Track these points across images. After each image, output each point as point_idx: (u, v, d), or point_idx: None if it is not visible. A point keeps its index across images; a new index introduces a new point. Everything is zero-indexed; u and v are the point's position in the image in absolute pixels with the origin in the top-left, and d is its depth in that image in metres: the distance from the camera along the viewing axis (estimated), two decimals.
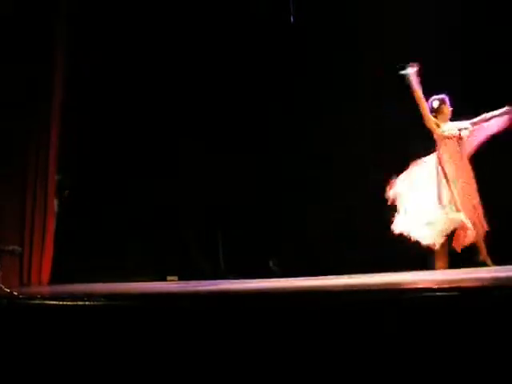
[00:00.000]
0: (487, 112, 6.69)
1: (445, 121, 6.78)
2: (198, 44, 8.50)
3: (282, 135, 8.40)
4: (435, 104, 6.76)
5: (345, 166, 8.07)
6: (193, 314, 3.74)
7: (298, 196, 8.28)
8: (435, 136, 6.78)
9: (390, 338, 3.25)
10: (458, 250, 6.59)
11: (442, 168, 6.68)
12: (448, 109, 6.77)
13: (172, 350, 3.64)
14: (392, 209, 6.87)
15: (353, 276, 5.95)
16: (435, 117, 6.76)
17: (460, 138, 6.68)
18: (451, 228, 6.53)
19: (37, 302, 4.34)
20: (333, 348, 3.35)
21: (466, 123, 6.74)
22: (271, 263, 8.15)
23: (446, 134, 6.72)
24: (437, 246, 6.48)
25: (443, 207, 6.55)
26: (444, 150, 6.74)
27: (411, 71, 6.64)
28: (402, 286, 4.21)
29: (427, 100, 6.79)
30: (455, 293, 3.33)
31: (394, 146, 7.69)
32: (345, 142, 8.11)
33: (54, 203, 7.76)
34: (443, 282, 4.54)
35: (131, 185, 8.46)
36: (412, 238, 6.59)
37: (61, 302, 4.07)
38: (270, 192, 8.38)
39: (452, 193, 6.57)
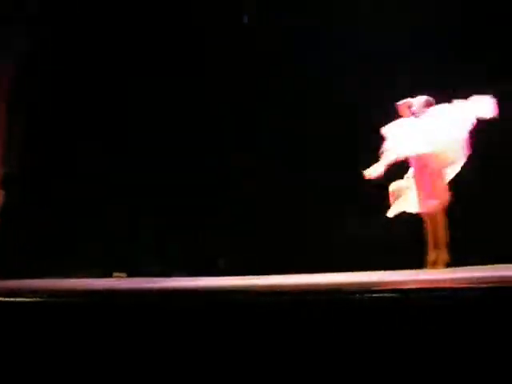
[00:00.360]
0: None
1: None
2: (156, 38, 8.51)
3: (229, 131, 8.43)
4: (419, 105, 6.74)
5: (294, 164, 8.14)
6: (136, 311, 3.73)
7: (249, 194, 8.32)
8: None
9: (323, 339, 3.31)
10: None
11: None
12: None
13: (115, 347, 3.62)
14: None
15: (301, 276, 6.00)
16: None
17: None
18: None
19: None
20: (276, 346, 3.38)
21: None
22: (220, 261, 8.18)
23: None
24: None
25: None
26: None
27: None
28: (331, 287, 4.27)
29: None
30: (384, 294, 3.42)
31: (341, 140, 7.82)
32: (289, 139, 8.19)
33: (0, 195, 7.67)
34: (377, 283, 4.59)
35: (77, 179, 8.41)
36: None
37: (2, 299, 4.01)
38: (221, 189, 8.39)
39: None
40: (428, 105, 6.70)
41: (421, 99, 6.73)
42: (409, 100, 6.75)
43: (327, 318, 3.33)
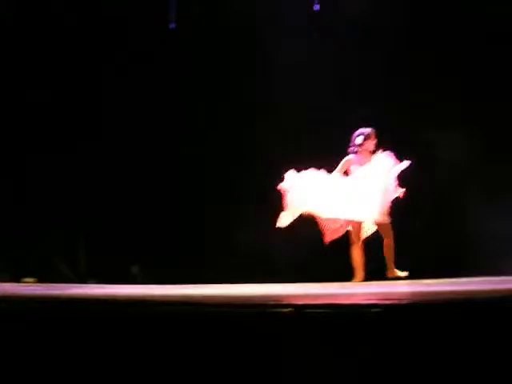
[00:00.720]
0: None
1: (367, 154, 6.67)
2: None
3: (147, 147, 8.46)
4: (359, 140, 6.66)
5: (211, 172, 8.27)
6: (42, 317, 3.76)
7: (165, 204, 8.34)
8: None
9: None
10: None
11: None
12: (373, 142, 6.68)
13: (21, 352, 3.63)
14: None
15: (216, 286, 6.06)
16: (357, 151, 6.65)
17: None
18: None
19: None
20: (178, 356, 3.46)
21: None
22: (133, 269, 8.15)
23: None
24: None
25: None
26: None
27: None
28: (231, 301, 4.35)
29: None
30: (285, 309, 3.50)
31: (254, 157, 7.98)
32: (209, 152, 8.32)
33: None
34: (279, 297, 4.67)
35: None
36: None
37: None
38: (137, 199, 8.38)
39: None
40: (369, 138, 6.66)
41: (364, 132, 6.69)
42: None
43: (221, 331, 3.42)
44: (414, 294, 4.75)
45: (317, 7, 7.88)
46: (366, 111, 7.30)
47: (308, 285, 6.05)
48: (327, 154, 6.79)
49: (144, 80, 8.43)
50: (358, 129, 6.70)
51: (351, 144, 6.68)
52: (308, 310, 3.49)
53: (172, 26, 8.39)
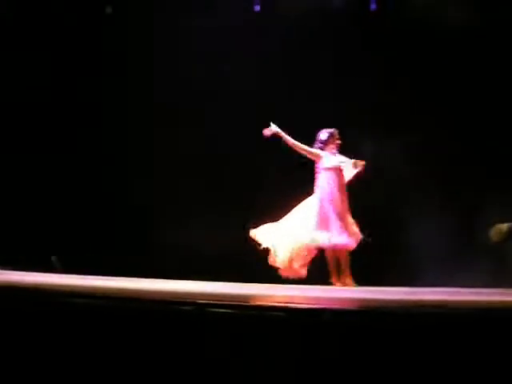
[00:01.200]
0: None
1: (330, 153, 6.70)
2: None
3: (75, 135, 8.39)
4: (323, 136, 6.69)
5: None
6: None
7: (89, 194, 8.29)
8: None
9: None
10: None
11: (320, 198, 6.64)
12: (336, 142, 6.68)
13: None
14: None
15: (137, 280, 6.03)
16: (322, 148, 6.67)
17: (340, 169, 6.65)
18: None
19: None
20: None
21: (344, 158, 6.70)
22: (53, 258, 8.06)
23: (326, 165, 6.63)
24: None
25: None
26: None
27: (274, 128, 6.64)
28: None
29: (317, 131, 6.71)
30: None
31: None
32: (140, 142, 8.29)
33: None
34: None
35: None
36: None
37: None
38: (58, 187, 8.31)
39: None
40: (332, 137, 6.67)
41: (327, 131, 6.70)
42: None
43: (121, 325, 3.39)
44: (320, 298, 4.79)
45: (257, 8, 7.92)
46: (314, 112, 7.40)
47: (231, 284, 6.02)
48: (273, 151, 6.81)
49: (80, 63, 8.36)
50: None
51: (315, 142, 6.69)
52: (210, 309, 3.46)
53: (108, 10, 8.39)
